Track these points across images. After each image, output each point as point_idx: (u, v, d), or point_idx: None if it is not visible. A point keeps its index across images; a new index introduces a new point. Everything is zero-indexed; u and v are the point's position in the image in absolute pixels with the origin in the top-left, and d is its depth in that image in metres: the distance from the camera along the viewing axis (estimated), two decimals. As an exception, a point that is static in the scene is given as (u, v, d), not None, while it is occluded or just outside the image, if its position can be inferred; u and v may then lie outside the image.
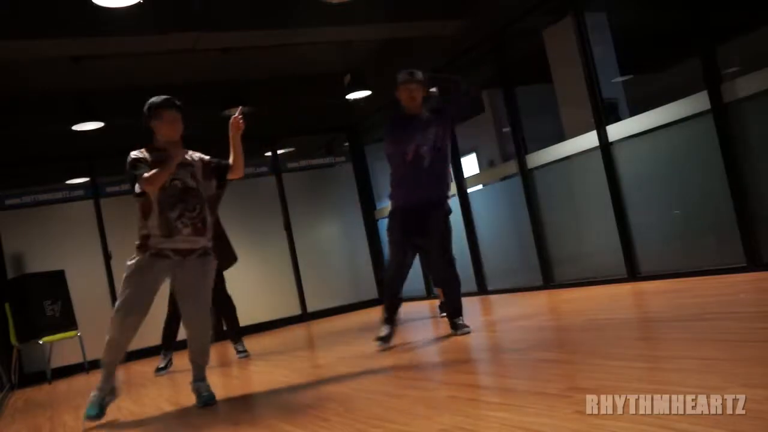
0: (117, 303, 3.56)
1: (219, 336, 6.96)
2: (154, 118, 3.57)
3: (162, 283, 3.62)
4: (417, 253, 4.70)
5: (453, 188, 7.57)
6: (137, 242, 3.53)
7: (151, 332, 8.07)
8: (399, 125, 4.50)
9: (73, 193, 8.25)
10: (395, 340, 4.57)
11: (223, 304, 5.93)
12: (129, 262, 3.52)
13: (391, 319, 4.56)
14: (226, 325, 6.20)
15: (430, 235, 4.49)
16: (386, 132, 4.61)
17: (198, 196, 3.54)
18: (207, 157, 3.73)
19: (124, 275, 3.52)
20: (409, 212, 4.45)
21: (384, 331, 4.50)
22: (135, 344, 8.48)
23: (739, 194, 4.65)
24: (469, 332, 4.39)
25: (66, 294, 7.31)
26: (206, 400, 3.56)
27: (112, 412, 4.05)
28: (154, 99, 3.61)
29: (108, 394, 3.67)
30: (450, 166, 4.78)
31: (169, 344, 5.83)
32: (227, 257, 5.90)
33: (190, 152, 3.67)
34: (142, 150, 3.54)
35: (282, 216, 9.02)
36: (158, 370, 5.72)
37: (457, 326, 4.46)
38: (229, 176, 3.73)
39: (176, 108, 3.60)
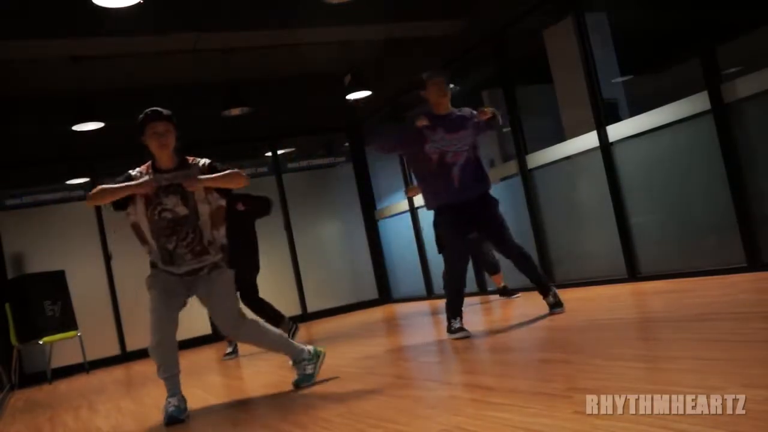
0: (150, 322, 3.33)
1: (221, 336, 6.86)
2: (142, 135, 3.37)
3: (182, 296, 3.43)
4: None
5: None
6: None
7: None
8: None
9: (73, 193, 8.25)
10: (395, 343, 4.56)
11: (256, 309, 5.92)
12: (147, 281, 3.40)
13: (460, 311, 4.37)
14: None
15: (485, 226, 4.48)
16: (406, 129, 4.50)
17: (190, 223, 3.34)
18: (206, 163, 3.48)
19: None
20: (454, 208, 4.40)
21: (457, 323, 4.30)
22: (135, 344, 8.53)
23: (739, 194, 4.65)
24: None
25: (66, 294, 7.31)
26: (302, 381, 3.52)
27: (113, 413, 4.05)
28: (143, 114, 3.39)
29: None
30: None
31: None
32: (252, 266, 5.95)
33: (196, 165, 3.44)
34: (142, 167, 3.42)
35: (282, 216, 9.01)
36: (226, 355, 5.94)
37: (555, 304, 4.46)
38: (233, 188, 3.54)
39: (164, 119, 3.36)
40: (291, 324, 5.86)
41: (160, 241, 3.33)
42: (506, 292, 6.29)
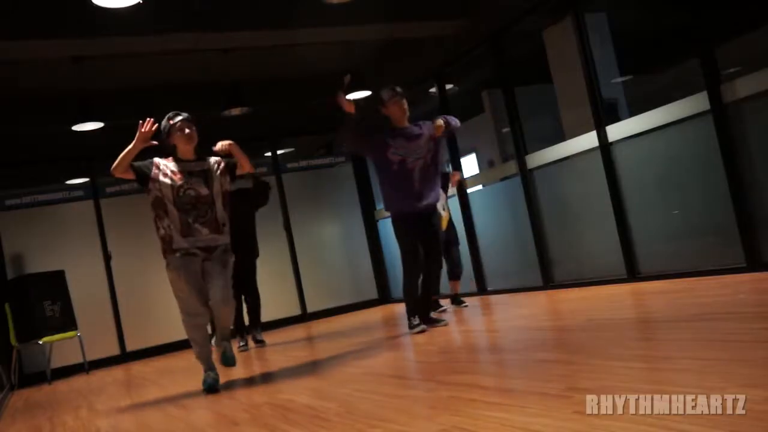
0: (181, 311, 4.03)
1: (239, 329, 6.64)
2: (168, 135, 4.01)
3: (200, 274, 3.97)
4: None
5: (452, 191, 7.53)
6: (162, 246, 3.93)
7: (153, 333, 8.10)
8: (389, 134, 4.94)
9: (73, 193, 8.25)
10: (394, 343, 4.56)
11: (251, 294, 6.42)
12: (167, 271, 3.94)
13: (417, 311, 5.05)
14: (249, 312, 6.52)
15: (428, 236, 4.99)
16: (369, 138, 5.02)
17: (209, 202, 3.97)
18: (225, 160, 4.17)
19: (171, 283, 3.97)
20: (411, 216, 4.91)
21: (416, 321, 4.98)
22: (135, 344, 8.50)
23: (739, 194, 4.65)
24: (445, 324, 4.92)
25: (66, 294, 7.31)
26: (228, 360, 4.17)
27: (113, 413, 4.05)
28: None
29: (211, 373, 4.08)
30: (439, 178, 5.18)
31: (242, 328, 6.45)
32: (253, 252, 6.41)
33: (210, 159, 4.10)
34: (166, 158, 4.00)
35: (282, 216, 9.02)
36: (240, 347, 6.33)
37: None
38: (238, 171, 4.18)
39: (187, 119, 4.04)
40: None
41: (182, 214, 3.89)
42: (456, 301, 6.37)
